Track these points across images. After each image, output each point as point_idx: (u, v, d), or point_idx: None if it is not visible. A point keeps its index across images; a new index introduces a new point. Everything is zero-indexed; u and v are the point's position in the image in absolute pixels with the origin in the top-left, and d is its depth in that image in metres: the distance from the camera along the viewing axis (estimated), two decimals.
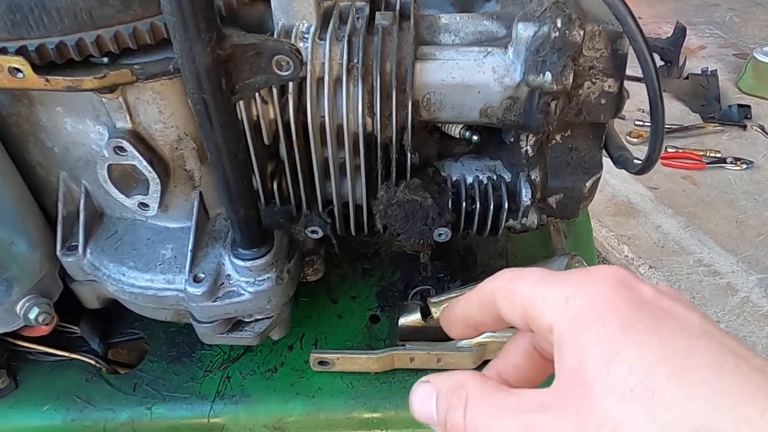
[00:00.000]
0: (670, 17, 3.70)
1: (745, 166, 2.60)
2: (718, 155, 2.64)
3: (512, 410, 0.36)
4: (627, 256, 2.19)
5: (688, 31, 3.26)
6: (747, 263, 2.09)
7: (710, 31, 3.77)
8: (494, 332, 0.79)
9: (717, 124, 2.85)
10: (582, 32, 0.59)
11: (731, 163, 2.61)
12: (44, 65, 0.54)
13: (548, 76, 0.60)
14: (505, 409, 0.36)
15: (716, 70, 3.13)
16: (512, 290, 0.41)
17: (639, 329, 0.33)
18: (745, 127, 2.85)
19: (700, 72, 3.15)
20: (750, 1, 4.16)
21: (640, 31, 0.58)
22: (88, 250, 0.71)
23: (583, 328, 0.35)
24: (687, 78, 3.13)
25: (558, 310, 0.37)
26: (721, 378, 0.30)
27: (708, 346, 0.32)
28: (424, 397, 0.41)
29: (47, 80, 0.53)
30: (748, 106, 2.93)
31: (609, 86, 0.64)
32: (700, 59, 3.41)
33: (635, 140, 2.72)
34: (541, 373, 0.46)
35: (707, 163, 2.61)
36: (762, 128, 2.84)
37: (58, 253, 0.71)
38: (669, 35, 3.32)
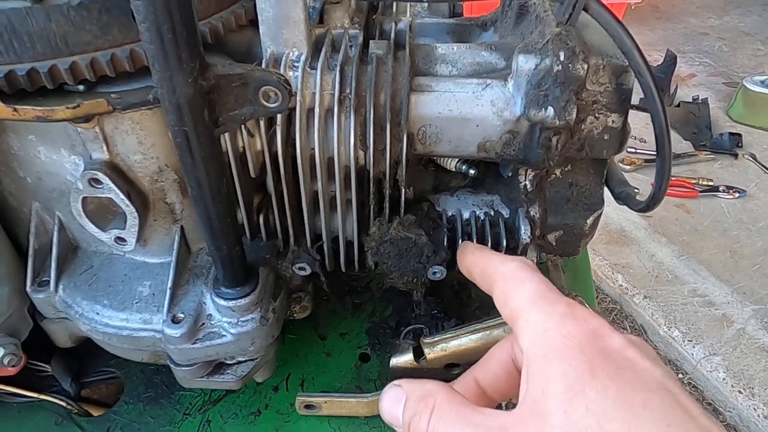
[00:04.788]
0: (660, 45, 3.74)
1: (737, 194, 2.60)
2: (711, 183, 2.64)
3: (475, 426, 0.39)
4: (621, 285, 2.16)
5: (678, 60, 3.29)
6: (742, 294, 2.07)
7: (700, 59, 3.81)
8: None
9: (709, 152, 2.86)
10: (586, 66, 0.56)
11: (724, 191, 2.61)
12: (13, 93, 0.50)
13: (550, 111, 0.57)
14: (468, 424, 0.39)
15: (707, 98, 3.16)
16: (509, 292, 0.46)
17: (601, 375, 0.36)
18: (736, 155, 2.86)
19: (691, 100, 3.17)
20: (738, 31, 4.22)
21: (647, 65, 0.55)
22: (61, 286, 0.67)
23: (552, 363, 0.38)
24: (678, 106, 3.15)
25: (535, 337, 0.41)
26: (669, 431, 0.34)
27: (662, 401, 0.35)
28: (394, 400, 0.44)
29: (15, 110, 0.49)
30: (739, 135, 2.94)
31: (613, 121, 0.61)
32: (691, 87, 3.44)
33: (627, 167, 2.71)
34: (516, 389, 0.48)
35: (700, 192, 2.61)
36: (753, 157, 2.85)
37: (28, 289, 0.67)
38: (659, 63, 3.36)
